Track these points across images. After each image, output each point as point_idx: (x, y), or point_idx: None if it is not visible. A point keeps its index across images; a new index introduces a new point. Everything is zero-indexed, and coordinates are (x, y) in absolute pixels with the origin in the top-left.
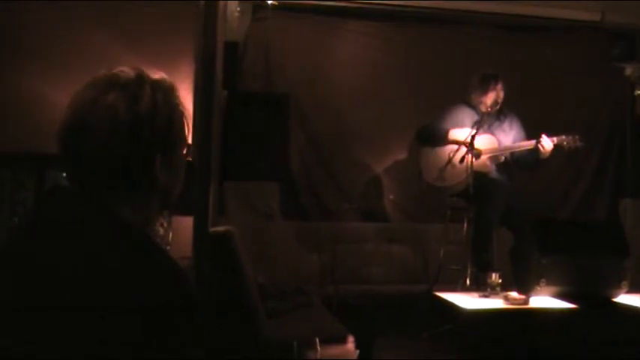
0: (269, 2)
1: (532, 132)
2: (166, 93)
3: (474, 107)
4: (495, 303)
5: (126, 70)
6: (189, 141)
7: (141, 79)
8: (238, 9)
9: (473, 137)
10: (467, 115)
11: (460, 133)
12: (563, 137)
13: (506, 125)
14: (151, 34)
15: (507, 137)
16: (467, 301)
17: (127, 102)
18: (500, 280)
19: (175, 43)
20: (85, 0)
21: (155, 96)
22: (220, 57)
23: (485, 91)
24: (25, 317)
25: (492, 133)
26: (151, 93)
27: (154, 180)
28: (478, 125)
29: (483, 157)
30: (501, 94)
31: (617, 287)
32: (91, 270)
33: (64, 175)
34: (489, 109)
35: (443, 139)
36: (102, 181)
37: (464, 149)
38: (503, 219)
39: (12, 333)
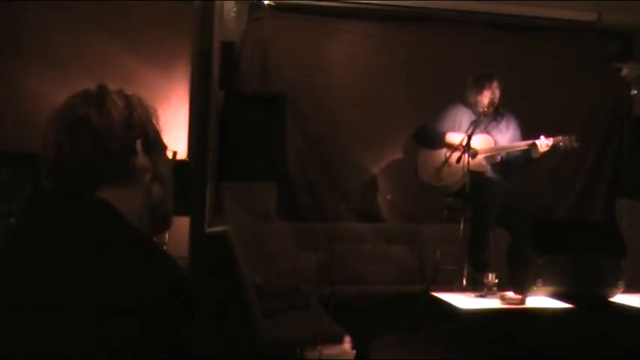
0: (265, 2)
1: (528, 131)
2: (128, 97)
3: (470, 107)
4: (492, 303)
5: (90, 88)
6: (186, 140)
7: (103, 90)
8: (235, 9)
9: (469, 137)
10: (464, 115)
11: (457, 136)
12: (560, 138)
13: (502, 126)
14: (149, 34)
15: (504, 137)
16: (463, 301)
17: (95, 109)
18: (496, 280)
19: (172, 44)
20: (85, 0)
21: (121, 100)
22: (217, 57)
23: (480, 91)
24: (25, 317)
25: (489, 133)
26: (116, 98)
27: (138, 173)
28: (475, 125)
29: (479, 157)
30: (497, 93)
31: (613, 287)
32: (90, 269)
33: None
34: (486, 109)
35: (440, 143)
36: (92, 181)
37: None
38: (500, 219)
39: (12, 333)
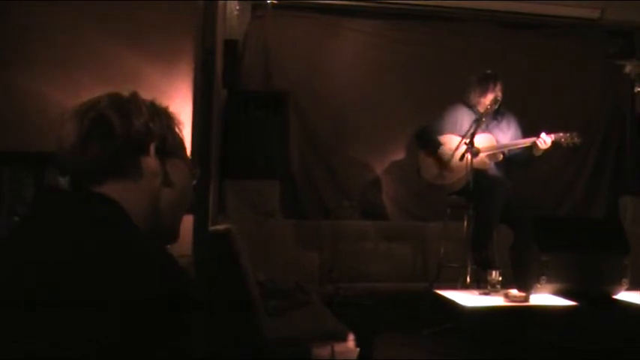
0: (268, 1)
1: (531, 129)
2: (156, 107)
3: (472, 107)
4: (496, 300)
5: (122, 92)
6: (190, 138)
7: (133, 96)
8: (238, 7)
9: (472, 135)
10: (465, 116)
11: (455, 139)
12: (561, 134)
13: (503, 125)
14: (151, 33)
15: (505, 136)
16: (467, 298)
17: (118, 111)
18: (500, 278)
19: (175, 42)
20: (85, 0)
21: (147, 107)
22: (220, 56)
23: (484, 92)
24: (22, 315)
25: (490, 132)
26: (142, 106)
27: (146, 175)
28: (477, 125)
29: (482, 155)
30: (500, 95)
31: (617, 284)
32: (88, 267)
33: (63, 177)
34: (488, 109)
35: (435, 149)
36: (99, 175)
37: (463, 147)
38: (503, 216)
39: (10, 331)
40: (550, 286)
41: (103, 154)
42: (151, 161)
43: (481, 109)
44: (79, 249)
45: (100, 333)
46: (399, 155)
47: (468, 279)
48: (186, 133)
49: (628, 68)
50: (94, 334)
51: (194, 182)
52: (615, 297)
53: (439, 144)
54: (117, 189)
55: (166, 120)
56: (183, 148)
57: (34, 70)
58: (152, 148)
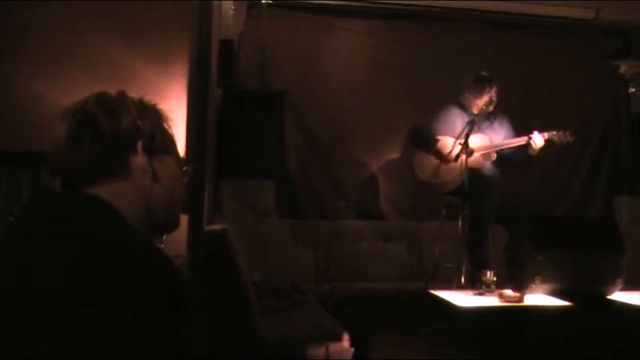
0: (263, 1)
1: (527, 129)
2: (144, 103)
3: (466, 109)
4: (490, 301)
5: (109, 91)
6: (185, 138)
7: (120, 95)
8: (233, 7)
9: (467, 136)
10: (458, 117)
11: (450, 140)
12: (554, 132)
13: (496, 125)
14: (147, 33)
15: (498, 136)
16: (462, 298)
17: (105, 109)
18: (495, 278)
19: (172, 42)
20: (85, 0)
21: (135, 105)
22: (215, 55)
23: (479, 95)
24: (18, 315)
25: (483, 133)
26: (130, 104)
27: (135, 172)
28: (470, 125)
29: (476, 155)
30: (494, 97)
31: (612, 284)
32: (85, 268)
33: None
34: (482, 110)
35: (432, 148)
36: (89, 175)
37: (457, 147)
38: (498, 216)
39: (7, 331)
40: (545, 286)
41: (92, 153)
42: (139, 159)
43: (475, 110)
44: (74, 250)
45: (98, 333)
46: (396, 155)
47: (463, 279)
48: (181, 132)
49: (623, 68)
50: (92, 334)
51: (185, 179)
52: (610, 297)
53: (436, 141)
54: (108, 189)
55: (155, 117)
56: (174, 145)
57: (33, 70)
58: (139, 145)
